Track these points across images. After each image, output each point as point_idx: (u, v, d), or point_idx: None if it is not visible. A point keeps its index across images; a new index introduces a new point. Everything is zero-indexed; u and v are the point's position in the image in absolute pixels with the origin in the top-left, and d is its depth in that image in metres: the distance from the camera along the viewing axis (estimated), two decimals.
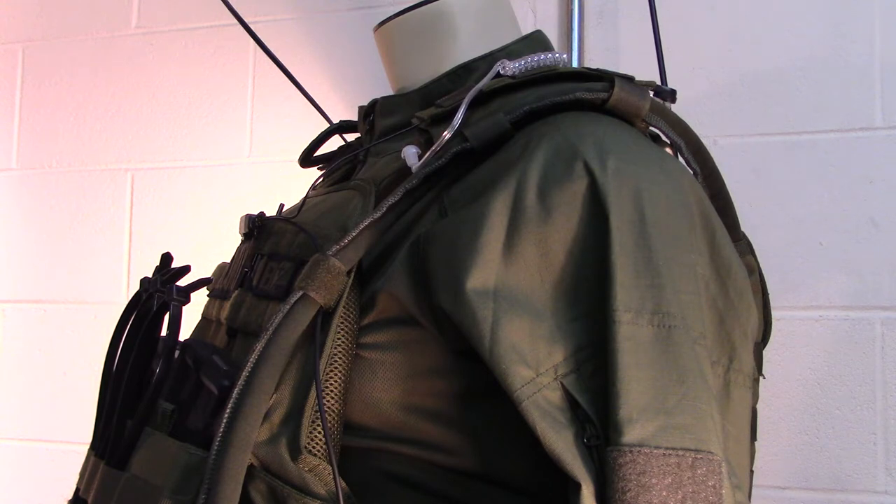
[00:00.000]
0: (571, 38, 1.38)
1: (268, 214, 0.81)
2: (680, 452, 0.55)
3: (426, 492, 0.63)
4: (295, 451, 0.61)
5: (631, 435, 0.55)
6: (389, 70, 0.85)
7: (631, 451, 0.55)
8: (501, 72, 0.73)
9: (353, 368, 0.64)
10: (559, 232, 0.60)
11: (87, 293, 1.63)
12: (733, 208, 0.81)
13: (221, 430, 0.60)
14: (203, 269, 0.89)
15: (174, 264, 0.86)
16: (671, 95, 0.79)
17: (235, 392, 0.61)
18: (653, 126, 0.74)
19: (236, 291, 0.75)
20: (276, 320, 0.62)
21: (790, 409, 1.26)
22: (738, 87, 1.32)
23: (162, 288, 0.77)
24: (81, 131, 1.67)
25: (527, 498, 0.62)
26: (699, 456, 0.56)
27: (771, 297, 0.84)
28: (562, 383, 0.58)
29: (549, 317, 0.59)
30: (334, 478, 0.60)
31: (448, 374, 0.63)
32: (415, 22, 0.81)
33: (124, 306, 0.82)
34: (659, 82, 0.97)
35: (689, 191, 0.64)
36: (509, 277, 0.60)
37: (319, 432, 0.61)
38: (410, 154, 0.70)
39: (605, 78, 0.70)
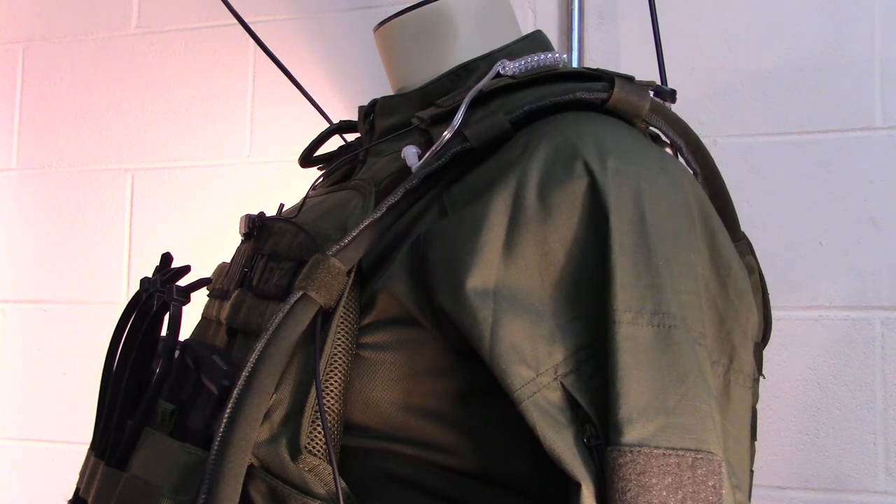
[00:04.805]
0: (571, 38, 1.37)
1: (268, 214, 0.81)
2: (680, 452, 0.55)
3: (426, 492, 0.63)
4: (295, 451, 0.61)
5: (631, 435, 0.55)
6: (389, 70, 0.85)
7: (631, 451, 0.55)
8: (501, 72, 0.73)
9: (353, 368, 0.64)
10: (559, 232, 0.60)
11: (87, 293, 1.63)
12: (733, 208, 0.81)
13: (221, 430, 0.60)
14: (203, 269, 0.89)
15: (174, 264, 0.86)
16: (671, 95, 0.79)
17: (235, 392, 0.61)
18: (653, 126, 0.74)
19: (236, 291, 0.75)
20: (276, 320, 0.62)
21: (790, 409, 1.26)
22: (738, 87, 1.32)
23: (162, 288, 0.77)
24: (81, 131, 1.67)
25: (527, 498, 0.62)
26: (699, 456, 0.56)
27: (771, 297, 0.84)
28: (562, 383, 0.58)
29: (549, 317, 0.59)
30: (334, 478, 0.60)
31: (448, 374, 0.63)
32: (415, 22, 0.81)
33: (124, 306, 0.82)
34: (659, 82, 0.97)
35: (690, 191, 0.64)
36: (509, 277, 0.60)
37: (319, 432, 0.61)
38: (410, 154, 0.70)
39: (604, 78, 0.70)
